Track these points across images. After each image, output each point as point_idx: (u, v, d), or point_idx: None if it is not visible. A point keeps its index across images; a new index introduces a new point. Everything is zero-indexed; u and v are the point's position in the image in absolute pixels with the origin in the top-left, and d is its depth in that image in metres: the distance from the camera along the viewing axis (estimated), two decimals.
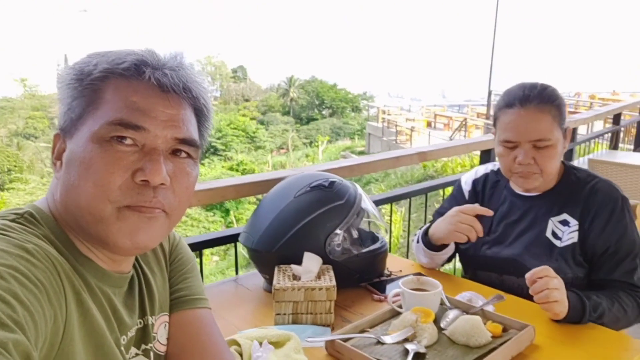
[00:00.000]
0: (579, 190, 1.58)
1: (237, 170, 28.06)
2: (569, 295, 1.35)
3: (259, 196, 1.81)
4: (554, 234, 1.57)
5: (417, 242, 1.77)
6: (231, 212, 21.94)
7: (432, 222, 1.87)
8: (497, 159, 1.63)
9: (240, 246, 1.72)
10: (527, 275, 1.33)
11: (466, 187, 1.81)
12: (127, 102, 0.78)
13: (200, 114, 0.89)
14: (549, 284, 1.30)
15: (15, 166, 24.62)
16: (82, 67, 0.80)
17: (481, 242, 1.69)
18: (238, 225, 19.46)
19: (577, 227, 1.55)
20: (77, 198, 0.77)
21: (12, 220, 0.76)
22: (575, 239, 1.55)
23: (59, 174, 0.81)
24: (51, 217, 0.81)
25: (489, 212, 1.56)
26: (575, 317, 1.35)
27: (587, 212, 1.54)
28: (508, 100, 1.54)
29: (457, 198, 1.83)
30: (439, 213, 1.87)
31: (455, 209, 1.59)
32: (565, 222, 1.57)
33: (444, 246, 1.69)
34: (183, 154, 0.85)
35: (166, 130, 0.80)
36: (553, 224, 1.58)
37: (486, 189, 1.77)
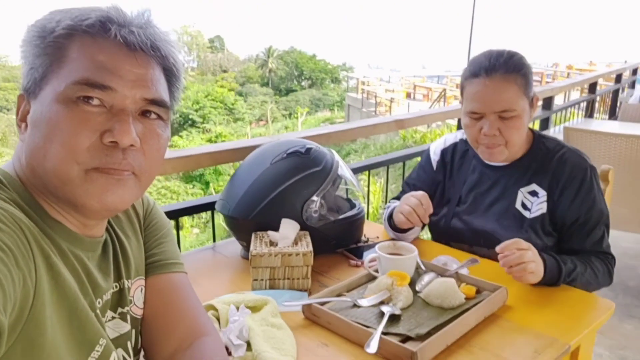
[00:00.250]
0: (547, 160, 1.58)
1: (215, 143, 27.86)
2: (546, 258, 1.38)
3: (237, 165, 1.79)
4: (524, 205, 1.59)
5: (385, 220, 1.78)
6: (211, 185, 21.83)
7: (401, 192, 1.89)
8: (463, 129, 1.63)
9: (219, 215, 1.72)
10: (498, 249, 1.35)
11: (435, 157, 1.80)
12: (92, 60, 0.76)
13: (170, 74, 0.87)
14: (524, 257, 1.31)
15: None
16: (44, 24, 0.77)
17: (452, 213, 1.71)
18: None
19: (545, 198, 1.56)
20: (43, 160, 0.75)
21: None
22: (544, 210, 1.56)
23: (24, 136, 0.79)
24: (18, 181, 0.79)
25: (429, 210, 1.57)
26: (551, 280, 1.39)
27: (555, 183, 1.55)
28: (474, 69, 1.52)
29: (425, 168, 1.83)
30: (407, 183, 1.88)
31: (409, 194, 1.61)
32: (534, 193, 1.58)
33: (409, 229, 1.68)
34: (153, 115, 0.83)
35: (134, 90, 0.78)
36: (522, 195, 1.59)
37: (455, 159, 1.76)
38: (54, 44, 0.76)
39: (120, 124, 0.76)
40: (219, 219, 1.91)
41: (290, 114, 38.94)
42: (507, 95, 1.47)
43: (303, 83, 47.43)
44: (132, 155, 0.79)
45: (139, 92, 0.79)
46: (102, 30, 0.77)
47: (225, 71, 47.05)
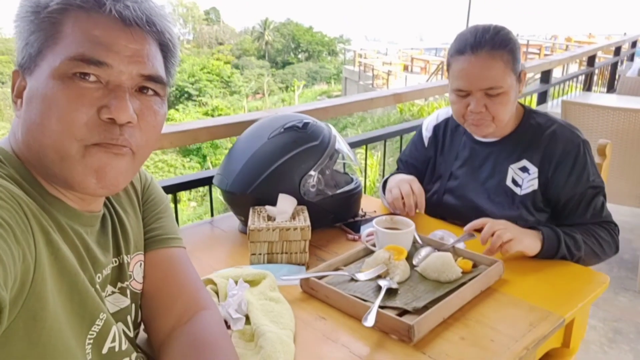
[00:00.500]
0: (538, 136, 1.57)
1: (212, 116, 27.67)
2: (542, 229, 1.39)
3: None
4: (514, 182, 1.59)
5: (381, 191, 1.79)
6: (208, 158, 21.79)
7: (396, 169, 1.90)
8: (450, 105, 1.62)
9: (216, 189, 1.72)
10: (466, 229, 1.41)
11: (427, 133, 1.80)
12: (88, 36, 0.75)
13: (166, 49, 0.86)
14: (492, 227, 1.36)
15: None
16: None
17: (443, 188, 1.71)
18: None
19: (536, 175, 1.56)
20: (40, 136, 0.75)
21: None
22: (536, 186, 1.56)
23: (20, 112, 0.78)
24: (15, 157, 0.78)
25: (411, 213, 1.62)
26: (551, 250, 1.39)
27: (548, 160, 1.54)
28: (459, 46, 1.50)
29: (417, 145, 1.83)
30: (400, 160, 1.89)
31: (406, 179, 1.67)
32: (524, 169, 1.58)
33: None
34: (150, 92, 0.82)
35: (131, 66, 0.78)
36: (513, 171, 1.59)
37: (446, 135, 1.76)
38: (48, 19, 0.75)
39: (117, 100, 0.76)
40: (217, 193, 1.92)
41: (287, 87, 38.72)
42: (493, 72, 1.45)
43: (300, 56, 47.03)
44: (129, 131, 0.79)
45: (135, 68, 0.78)
46: (96, 4, 0.76)
47: (221, 44, 46.57)
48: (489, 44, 1.45)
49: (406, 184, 1.63)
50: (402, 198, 1.62)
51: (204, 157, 22.18)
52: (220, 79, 35.14)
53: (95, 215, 0.88)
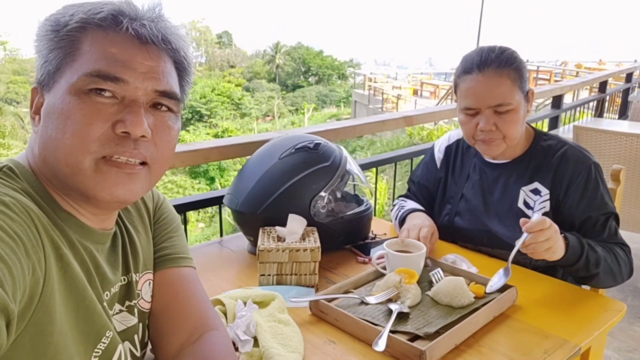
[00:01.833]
0: (549, 158, 1.56)
1: (222, 138, 27.87)
2: (568, 237, 1.35)
3: (244, 162, 1.79)
4: (526, 204, 1.57)
5: (395, 220, 1.77)
6: (216, 180, 21.89)
7: (407, 190, 1.89)
8: (460, 126, 1.61)
9: (225, 209, 1.71)
10: (525, 229, 1.29)
11: (439, 154, 1.79)
12: (105, 53, 0.77)
13: (181, 67, 0.87)
14: (537, 237, 1.26)
15: None
16: (58, 18, 0.78)
17: (454, 211, 1.69)
18: None
19: (548, 197, 1.54)
20: (55, 151, 0.76)
21: None
22: (547, 208, 1.54)
23: (38, 127, 0.80)
24: (30, 171, 0.79)
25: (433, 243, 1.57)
26: (572, 258, 1.36)
27: (559, 182, 1.53)
28: (466, 66, 1.51)
29: (429, 166, 1.82)
30: (412, 181, 1.87)
31: (423, 221, 1.61)
32: (536, 191, 1.56)
33: None
34: (164, 108, 0.84)
35: (146, 82, 0.79)
36: (525, 193, 1.57)
37: (458, 156, 1.75)
38: (68, 37, 0.77)
39: (132, 115, 0.77)
40: (225, 214, 1.91)
41: (296, 110, 38.96)
42: (501, 90, 1.46)
43: (310, 79, 47.41)
44: (144, 145, 0.80)
45: (150, 84, 0.80)
46: (114, 23, 0.78)
47: (232, 66, 47.12)
48: (495, 62, 1.46)
49: (426, 229, 1.57)
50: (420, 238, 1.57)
51: (212, 179, 22.29)
52: (231, 101, 35.47)
53: (107, 232, 0.88)
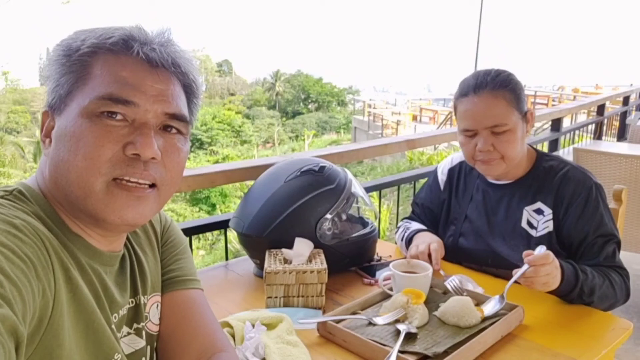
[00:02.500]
0: (550, 178, 1.58)
1: None
2: (564, 266, 1.35)
3: (246, 190, 1.80)
4: (530, 224, 1.58)
5: (402, 241, 1.78)
6: (217, 207, 21.84)
7: (412, 212, 1.90)
8: (460, 148, 1.64)
9: (230, 233, 1.72)
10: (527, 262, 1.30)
11: (442, 177, 1.82)
12: (116, 77, 0.78)
13: (189, 90, 0.89)
14: (537, 272, 1.28)
15: None
16: (70, 43, 0.80)
17: (458, 232, 1.71)
18: None
19: (551, 216, 1.55)
20: (66, 173, 0.77)
21: (1, 197, 0.75)
22: (551, 228, 1.55)
23: (48, 150, 0.81)
24: (40, 194, 0.80)
25: (436, 267, 1.57)
26: (566, 289, 1.36)
27: (560, 201, 1.54)
28: (462, 89, 1.56)
29: (432, 188, 1.84)
30: (416, 203, 1.89)
31: (431, 240, 1.66)
32: (539, 211, 1.57)
33: None
34: (173, 130, 0.85)
35: (156, 104, 0.80)
36: (528, 213, 1.59)
37: (461, 178, 1.77)
38: (79, 61, 0.79)
39: (142, 137, 0.78)
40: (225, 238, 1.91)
41: (297, 137, 39.09)
42: (496, 111, 1.49)
43: (310, 106, 47.67)
44: (154, 167, 0.81)
45: (160, 106, 0.81)
46: (125, 47, 0.80)
47: (232, 94, 47.42)
48: (490, 85, 1.50)
49: (435, 243, 1.63)
50: (429, 254, 1.60)
51: (213, 205, 22.22)
52: (232, 128, 35.62)
53: (115, 255, 0.89)
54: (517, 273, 1.30)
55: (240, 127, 36.42)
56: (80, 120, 0.77)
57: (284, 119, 43.65)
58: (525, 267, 1.28)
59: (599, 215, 1.51)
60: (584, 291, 1.38)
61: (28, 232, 0.69)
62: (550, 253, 1.31)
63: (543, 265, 1.28)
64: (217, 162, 28.79)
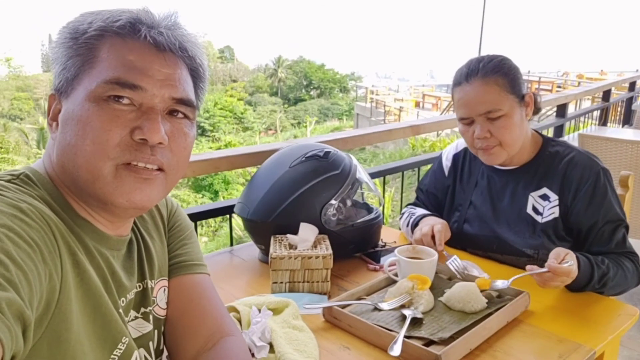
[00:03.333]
0: (557, 163, 1.56)
1: None
2: (581, 261, 1.34)
3: (248, 177, 1.80)
4: (535, 210, 1.57)
5: (407, 227, 1.78)
6: (220, 194, 21.87)
7: (416, 198, 1.90)
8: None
9: (235, 218, 1.72)
10: (549, 263, 1.28)
11: (447, 162, 1.81)
12: (123, 60, 0.77)
13: (196, 74, 0.88)
14: (550, 281, 1.28)
15: (1, 147, 24.27)
16: (77, 25, 0.79)
17: (463, 218, 1.70)
18: None
19: (557, 202, 1.54)
20: (74, 157, 0.77)
21: (8, 181, 0.75)
22: (557, 214, 1.54)
23: (55, 134, 0.80)
24: (47, 178, 0.80)
25: (439, 248, 1.57)
26: (581, 283, 1.35)
27: (567, 187, 1.53)
28: (456, 78, 1.57)
29: (437, 174, 1.84)
30: (420, 189, 1.88)
31: (435, 221, 1.65)
32: (545, 197, 1.56)
33: None
34: (180, 114, 0.84)
35: (163, 89, 0.80)
36: (533, 199, 1.58)
37: (465, 164, 1.77)
38: (86, 44, 0.78)
39: (149, 122, 0.78)
40: (227, 225, 1.92)
41: (299, 123, 39.03)
42: (488, 97, 1.49)
43: (312, 92, 47.56)
44: (161, 152, 0.81)
45: (167, 91, 0.80)
46: (132, 31, 0.79)
47: (234, 81, 47.30)
48: (481, 72, 1.50)
49: (439, 225, 1.63)
50: (432, 235, 1.60)
51: (216, 192, 22.24)
52: (234, 115, 35.58)
53: (122, 239, 0.89)
54: (532, 270, 1.30)
55: (242, 114, 36.37)
56: (87, 104, 0.76)
57: (286, 105, 43.56)
58: (544, 270, 1.28)
59: (608, 201, 1.50)
60: (595, 286, 1.38)
61: (35, 216, 0.69)
62: (574, 268, 1.29)
63: (561, 276, 1.28)
64: (219, 148, 28.79)
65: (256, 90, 45.74)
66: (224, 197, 21.27)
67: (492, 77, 1.49)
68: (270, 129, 38.57)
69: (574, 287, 1.37)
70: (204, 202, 21.05)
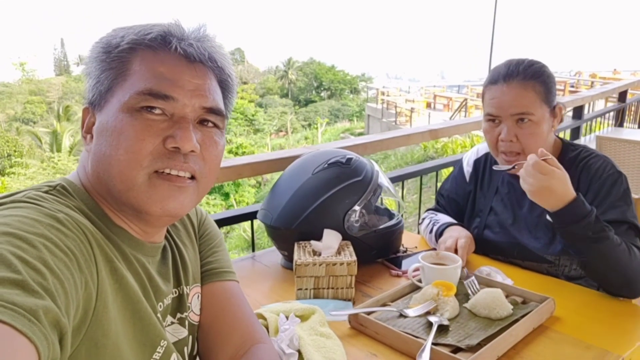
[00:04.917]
0: (574, 168, 1.55)
1: (236, 154, 28.00)
2: (580, 196, 1.33)
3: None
4: None
5: (431, 234, 1.77)
6: (231, 196, 21.96)
7: (436, 203, 1.89)
8: (483, 135, 1.62)
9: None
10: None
11: (468, 168, 1.81)
12: (155, 72, 0.80)
13: (225, 85, 0.90)
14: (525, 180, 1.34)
15: (15, 151, 24.52)
16: (109, 40, 0.82)
17: (483, 224, 1.70)
18: (239, 207, 19.45)
19: None
20: (108, 167, 0.79)
21: (45, 192, 0.77)
22: None
23: (90, 146, 0.82)
24: (83, 189, 0.82)
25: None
26: (573, 214, 1.32)
27: (582, 190, 1.50)
28: (493, 76, 1.54)
29: (458, 179, 1.83)
30: (441, 195, 1.88)
31: (461, 234, 1.63)
32: None
33: None
34: (210, 124, 0.86)
35: (194, 99, 0.82)
36: None
37: (486, 170, 1.76)
38: (119, 58, 0.80)
39: (181, 131, 0.80)
40: (240, 229, 1.93)
41: (309, 125, 39.07)
42: (524, 101, 1.48)
43: (322, 94, 47.59)
44: (193, 160, 0.83)
45: (198, 101, 0.83)
46: (163, 43, 0.81)
47: (245, 83, 47.45)
48: (521, 74, 1.49)
49: (463, 239, 1.59)
50: (456, 250, 1.57)
51: (227, 195, 22.33)
52: (245, 117, 35.73)
53: (156, 246, 0.91)
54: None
55: (253, 115, 36.51)
56: (121, 115, 0.78)
57: (296, 107, 43.63)
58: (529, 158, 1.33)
59: (616, 201, 1.46)
60: (589, 233, 1.32)
61: (71, 225, 0.71)
62: (557, 175, 1.32)
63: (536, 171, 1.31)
64: (230, 151, 28.88)
65: (267, 92, 45.88)
66: (235, 199, 21.36)
67: (530, 82, 1.48)
68: (281, 131, 38.64)
69: (561, 217, 1.34)
70: (216, 204, 21.15)
